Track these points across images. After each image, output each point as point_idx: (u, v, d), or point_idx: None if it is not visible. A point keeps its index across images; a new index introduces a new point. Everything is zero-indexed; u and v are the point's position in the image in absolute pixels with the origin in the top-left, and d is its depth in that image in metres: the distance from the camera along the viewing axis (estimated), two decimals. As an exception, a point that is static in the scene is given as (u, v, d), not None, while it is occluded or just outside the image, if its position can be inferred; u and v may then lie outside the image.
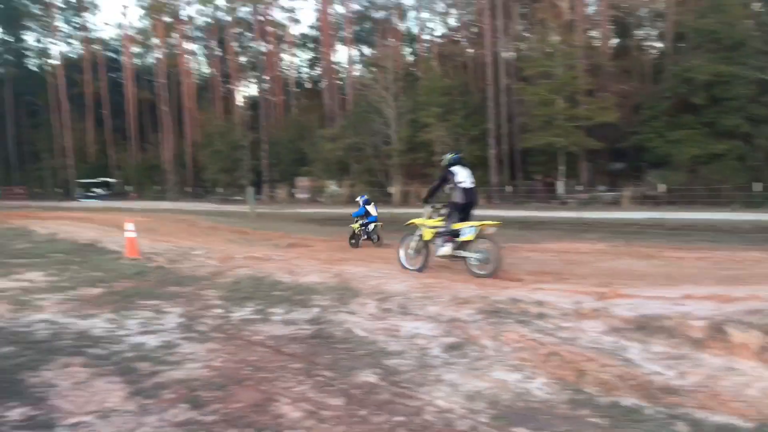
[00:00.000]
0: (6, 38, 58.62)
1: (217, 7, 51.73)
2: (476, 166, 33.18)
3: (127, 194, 48.95)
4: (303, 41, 56.59)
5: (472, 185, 8.09)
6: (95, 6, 59.61)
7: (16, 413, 3.37)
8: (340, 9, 48.99)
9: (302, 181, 40.69)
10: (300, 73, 59.53)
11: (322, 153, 37.53)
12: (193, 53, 55.89)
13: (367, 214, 14.02)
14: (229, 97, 55.08)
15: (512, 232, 16.19)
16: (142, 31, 55.74)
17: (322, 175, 38.74)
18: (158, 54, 54.01)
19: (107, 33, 59.87)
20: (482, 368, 4.03)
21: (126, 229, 10.37)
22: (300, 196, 40.41)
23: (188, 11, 52.59)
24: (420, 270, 8.18)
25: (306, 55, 58.37)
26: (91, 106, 55.54)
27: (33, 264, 9.73)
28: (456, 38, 45.22)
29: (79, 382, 3.91)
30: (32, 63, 61.81)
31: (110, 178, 51.88)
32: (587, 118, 28.69)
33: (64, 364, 4.28)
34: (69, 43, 59.36)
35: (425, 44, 47.07)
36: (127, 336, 5.12)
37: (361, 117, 36.56)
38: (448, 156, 8.41)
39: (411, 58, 48.09)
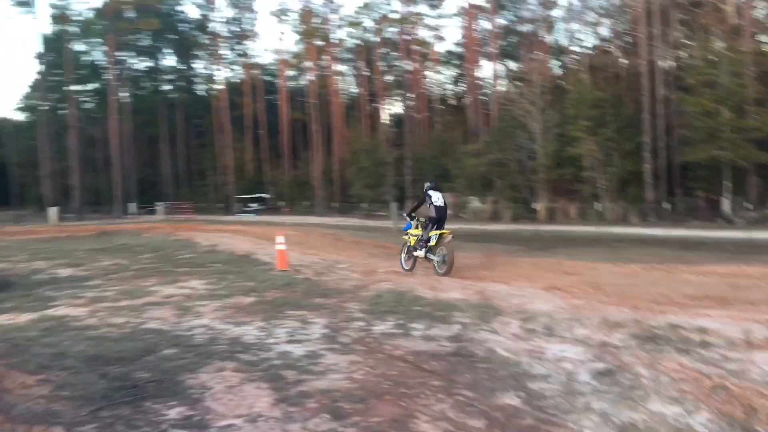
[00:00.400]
0: (179, 66, 64.89)
1: (365, 29, 53.67)
2: (629, 181, 31.53)
3: (279, 209, 51.67)
4: (447, 58, 56.89)
5: (443, 204, 10.81)
6: (255, 34, 64.37)
7: (174, 412, 3.60)
8: (485, 24, 48.71)
9: (445, 197, 40.70)
10: (444, 89, 59.89)
11: (466, 169, 37.28)
12: (341, 74, 58.13)
13: None
14: (375, 114, 56.74)
15: (670, 252, 15.06)
16: (296, 55, 58.96)
17: (464, 191, 38.39)
18: (310, 76, 56.77)
19: (265, 58, 64.24)
20: (636, 398, 3.70)
21: (277, 242, 10.96)
22: (442, 212, 40.38)
23: (338, 34, 54.90)
24: (410, 270, 10.68)
25: (450, 72, 58.56)
26: (249, 127, 59.64)
27: (195, 272, 10.58)
28: (608, 48, 43.20)
29: (231, 386, 4.11)
30: (200, 88, 67.86)
31: (265, 193, 54.96)
32: (758, 129, 26.05)
33: (219, 368, 4.54)
34: (232, 69, 64.46)
35: (574, 56, 45.36)
36: (275, 344, 5.34)
37: (506, 132, 35.84)
38: (427, 184, 11.26)
39: (559, 71, 46.56)
